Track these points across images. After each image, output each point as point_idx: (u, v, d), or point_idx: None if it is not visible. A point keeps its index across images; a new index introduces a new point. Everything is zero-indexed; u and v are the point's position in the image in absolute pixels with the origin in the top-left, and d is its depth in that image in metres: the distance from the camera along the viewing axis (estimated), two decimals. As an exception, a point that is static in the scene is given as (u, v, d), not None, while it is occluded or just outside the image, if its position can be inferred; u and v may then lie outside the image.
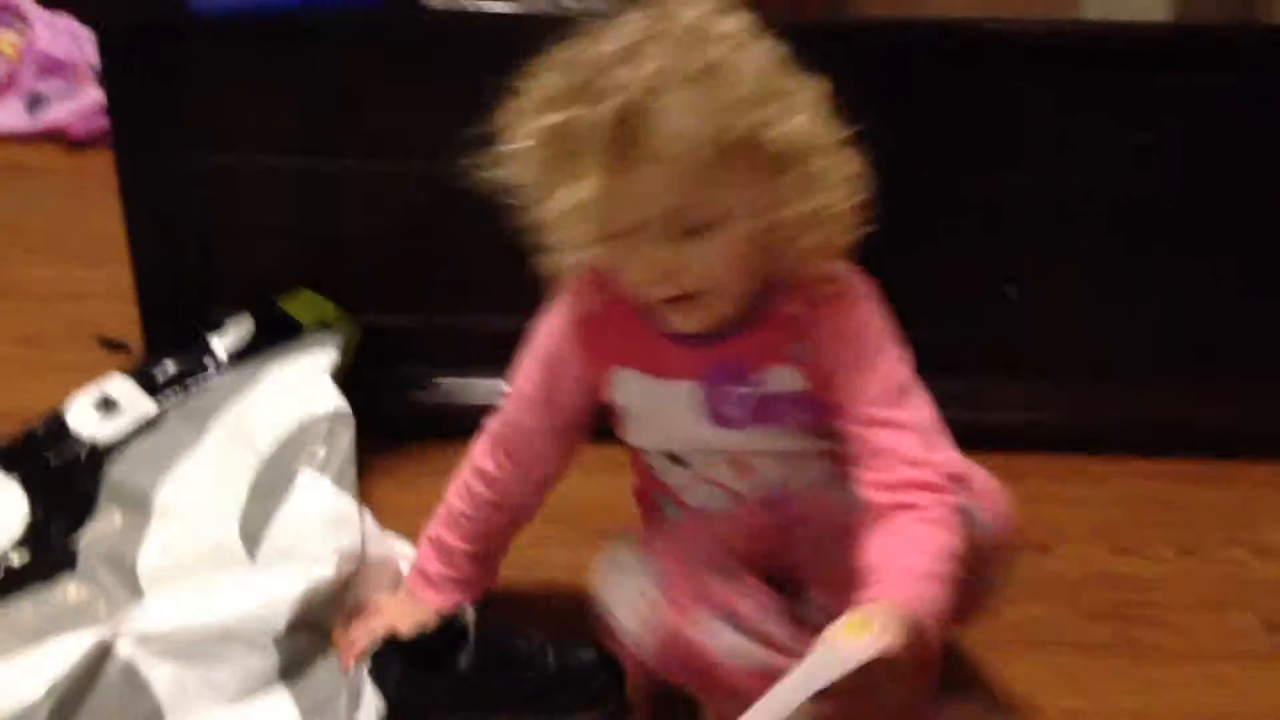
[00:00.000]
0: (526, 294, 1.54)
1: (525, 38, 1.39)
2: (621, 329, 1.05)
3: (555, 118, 0.92)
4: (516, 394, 1.14)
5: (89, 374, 1.51)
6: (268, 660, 1.11)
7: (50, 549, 1.25)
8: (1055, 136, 1.45)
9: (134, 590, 1.21)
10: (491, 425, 1.17)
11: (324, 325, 1.46)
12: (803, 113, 0.93)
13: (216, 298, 1.53)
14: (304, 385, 1.35)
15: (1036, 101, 1.43)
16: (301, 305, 1.48)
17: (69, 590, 1.20)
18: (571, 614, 1.30)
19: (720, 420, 1.04)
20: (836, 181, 0.95)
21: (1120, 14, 1.47)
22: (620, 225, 0.93)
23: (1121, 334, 1.55)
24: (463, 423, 1.55)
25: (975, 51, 1.39)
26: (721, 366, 1.02)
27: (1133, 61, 1.41)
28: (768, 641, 1.00)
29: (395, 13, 1.37)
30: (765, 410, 1.03)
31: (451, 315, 1.56)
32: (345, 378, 1.48)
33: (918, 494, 0.95)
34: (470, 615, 1.12)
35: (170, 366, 1.43)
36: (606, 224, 0.94)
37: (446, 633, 1.12)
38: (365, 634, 1.13)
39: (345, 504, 1.24)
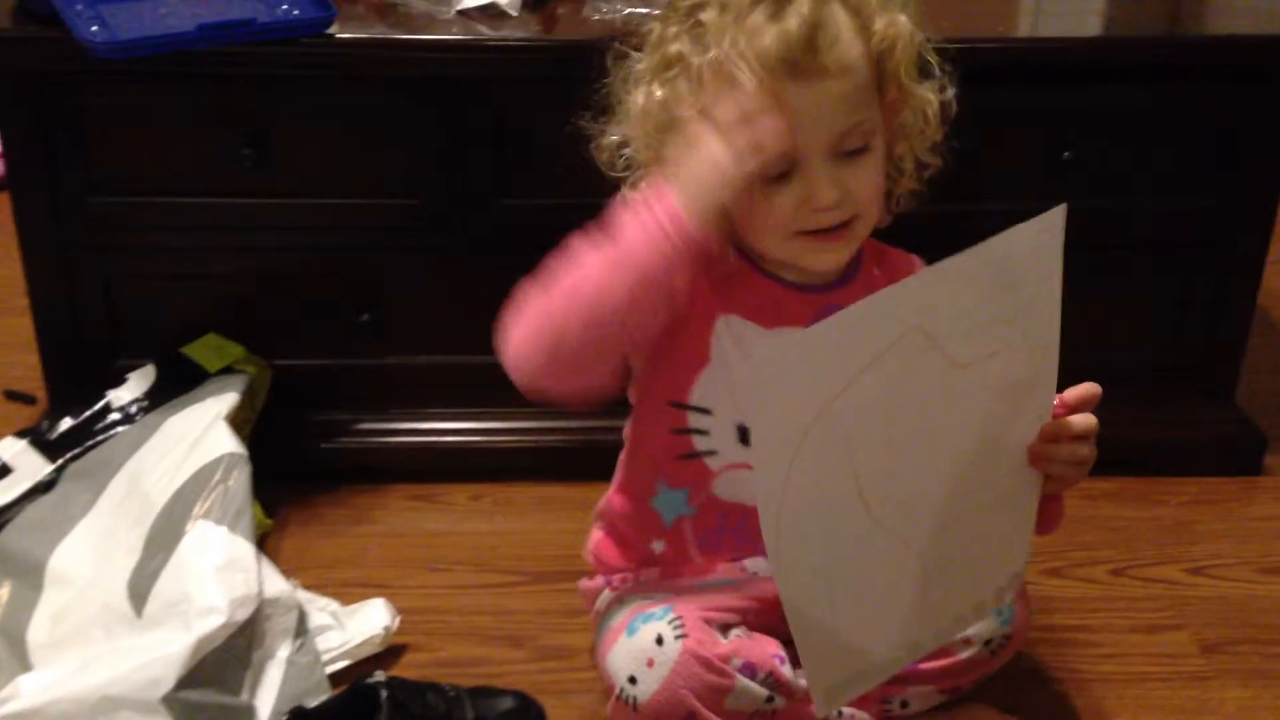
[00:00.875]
0: (444, 334, 1.53)
1: (439, 67, 1.39)
2: (740, 277, 1.05)
3: (730, 42, 0.94)
4: None
5: (-5, 428, 1.46)
6: (160, 723, 1.07)
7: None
8: (984, 157, 1.45)
9: (25, 664, 1.16)
10: None
11: (231, 370, 1.42)
12: (912, 25, 1.00)
13: (123, 345, 1.49)
14: (199, 433, 1.31)
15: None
16: (208, 349, 1.44)
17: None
18: (493, 660, 1.27)
19: None
20: (930, 109, 1.02)
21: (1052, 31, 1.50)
22: (799, 148, 0.95)
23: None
24: (382, 465, 1.54)
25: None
26: (830, 312, 1.02)
27: (1061, 77, 1.42)
28: (779, 683, 1.01)
29: (304, 46, 1.34)
30: None
31: (368, 356, 1.52)
32: (258, 421, 1.45)
33: None
34: (380, 678, 1.08)
35: (66, 424, 1.39)
36: (785, 146, 0.93)
37: (355, 701, 1.08)
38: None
39: (239, 548, 1.20)
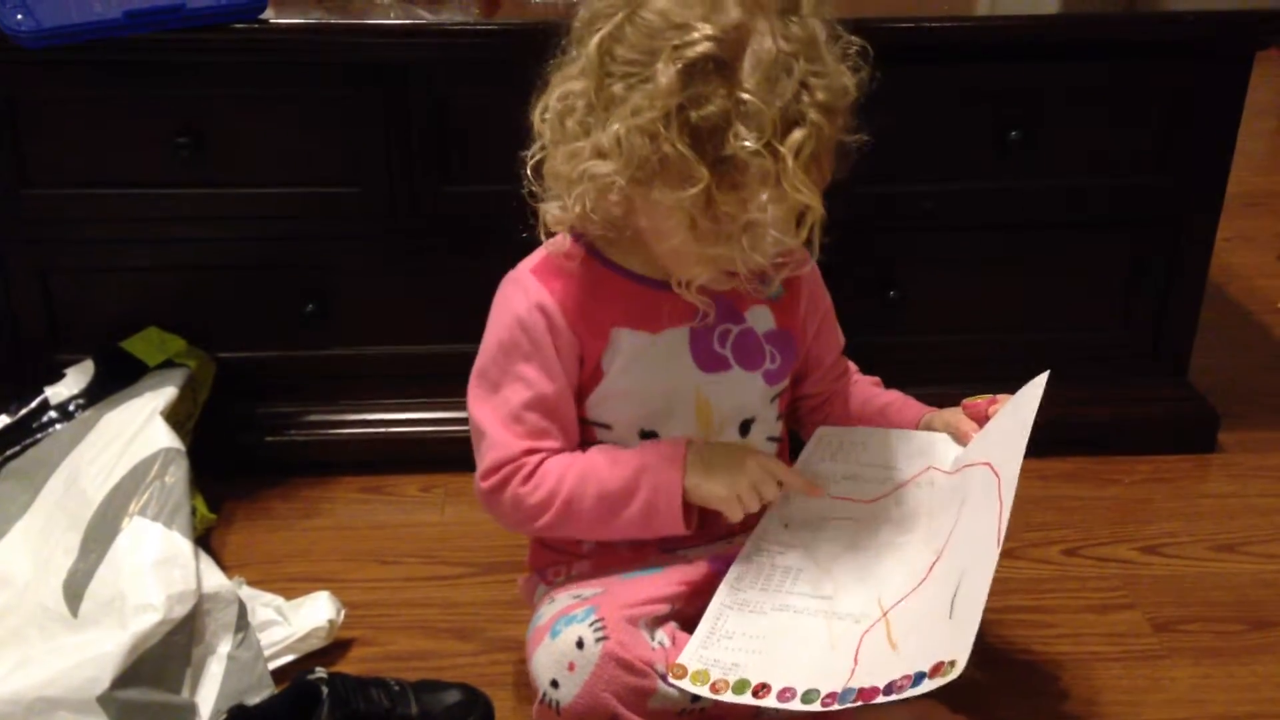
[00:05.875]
0: (391, 323, 1.51)
1: (378, 53, 1.36)
2: (610, 290, 1.04)
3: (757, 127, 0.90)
4: (534, 402, 1.04)
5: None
6: (96, 723, 1.05)
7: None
8: (932, 138, 1.44)
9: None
10: (516, 448, 1.04)
11: (171, 363, 1.39)
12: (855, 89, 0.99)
13: (60, 340, 1.46)
14: (135, 428, 1.29)
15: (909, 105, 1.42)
16: (148, 343, 1.42)
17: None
18: (441, 653, 1.26)
19: (707, 362, 1.07)
20: None
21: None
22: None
23: (1000, 333, 1.54)
24: (331, 458, 1.52)
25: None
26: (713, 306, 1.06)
27: (1013, 56, 1.41)
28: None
29: (236, 32, 1.31)
30: (745, 348, 1.08)
31: (314, 347, 1.50)
32: (202, 415, 1.43)
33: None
34: (322, 674, 1.06)
35: (3, 422, 1.36)
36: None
37: (296, 698, 1.06)
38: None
39: (176, 544, 1.18)
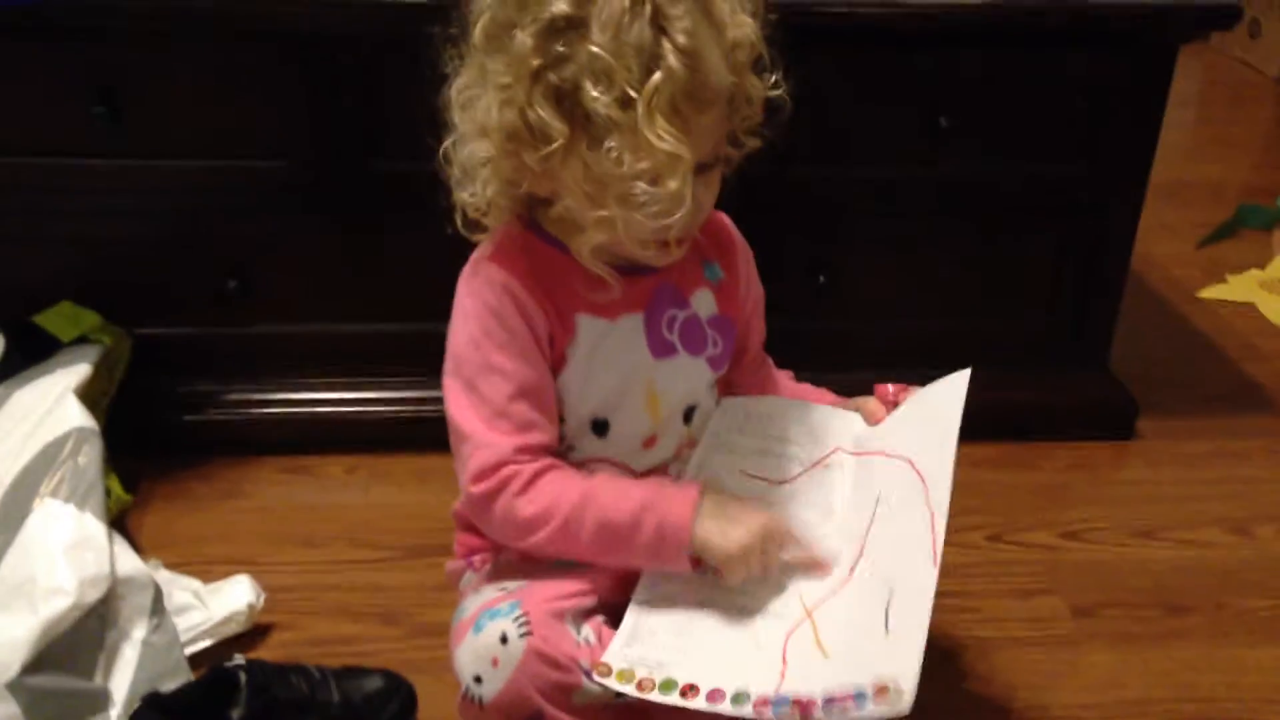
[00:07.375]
0: (317, 300, 1.48)
1: (306, 22, 1.33)
2: (569, 278, 1.02)
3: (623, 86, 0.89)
4: (517, 393, 1.01)
5: None
6: (4, 710, 1.02)
7: None
8: (861, 123, 1.44)
9: None
10: (506, 446, 1.00)
11: (85, 339, 1.35)
12: (754, 24, 0.97)
13: (-31, 314, 1.41)
14: (47, 407, 1.25)
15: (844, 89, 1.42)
16: (61, 318, 1.38)
17: None
18: (365, 638, 1.24)
19: (658, 348, 1.06)
20: (757, 95, 0.99)
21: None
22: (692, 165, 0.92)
23: (926, 318, 1.55)
24: (253, 437, 1.49)
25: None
26: (660, 293, 1.07)
27: (939, 43, 1.41)
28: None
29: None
30: (690, 333, 1.08)
31: (236, 324, 1.47)
32: (118, 393, 1.39)
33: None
34: (240, 660, 1.04)
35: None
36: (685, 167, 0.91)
37: (213, 685, 1.04)
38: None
39: (89, 527, 1.15)
